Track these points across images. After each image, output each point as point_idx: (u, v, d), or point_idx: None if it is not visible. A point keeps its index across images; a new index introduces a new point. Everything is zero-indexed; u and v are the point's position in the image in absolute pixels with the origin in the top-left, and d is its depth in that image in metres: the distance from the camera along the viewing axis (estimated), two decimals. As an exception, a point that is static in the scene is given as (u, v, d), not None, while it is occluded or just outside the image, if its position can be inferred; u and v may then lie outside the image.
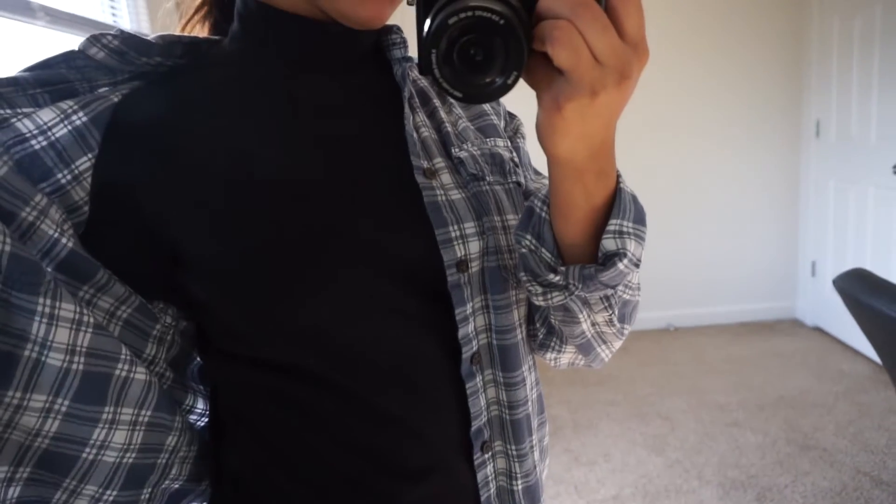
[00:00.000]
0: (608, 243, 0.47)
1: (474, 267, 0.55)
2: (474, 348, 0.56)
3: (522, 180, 0.62)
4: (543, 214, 0.50)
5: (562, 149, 0.43)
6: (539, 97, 0.41)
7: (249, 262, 0.49)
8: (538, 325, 0.61)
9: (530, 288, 0.52)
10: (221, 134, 0.52)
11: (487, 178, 0.58)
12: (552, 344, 0.61)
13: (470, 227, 0.55)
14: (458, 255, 0.54)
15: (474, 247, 0.55)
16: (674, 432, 2.63)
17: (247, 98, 0.55)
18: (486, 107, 0.65)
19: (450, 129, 0.59)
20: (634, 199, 0.49)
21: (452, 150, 0.58)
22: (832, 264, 3.45)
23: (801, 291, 3.77)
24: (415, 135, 0.56)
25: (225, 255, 0.50)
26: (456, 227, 0.54)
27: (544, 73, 0.40)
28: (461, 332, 0.55)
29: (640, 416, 2.77)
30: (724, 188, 3.70)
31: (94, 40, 0.49)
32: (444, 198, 0.55)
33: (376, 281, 0.52)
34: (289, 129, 0.54)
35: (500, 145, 0.62)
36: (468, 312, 0.55)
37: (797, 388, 2.94)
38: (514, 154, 0.64)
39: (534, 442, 0.60)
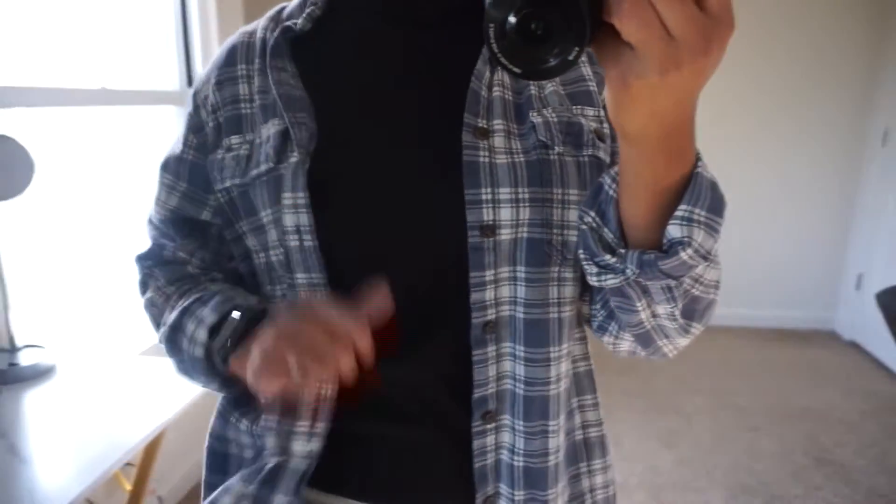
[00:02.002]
0: (673, 230, 0.43)
1: (504, 235, 0.54)
2: (489, 317, 0.55)
3: (604, 155, 0.57)
4: (611, 192, 0.47)
5: (630, 127, 0.40)
6: (606, 72, 0.38)
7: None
8: (598, 307, 0.58)
9: (586, 267, 0.49)
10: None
11: (556, 148, 0.55)
12: (610, 328, 0.58)
13: (506, 192, 0.54)
14: (485, 218, 0.53)
15: (506, 214, 0.53)
16: (689, 429, 2.60)
17: (334, 47, 0.59)
18: (588, 71, 0.60)
19: (534, 91, 0.57)
20: (714, 186, 0.44)
21: (530, 115, 0.56)
22: (879, 279, 3.31)
23: (842, 303, 3.65)
24: (483, 92, 0.55)
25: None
26: (488, 189, 0.53)
27: (613, 46, 0.36)
28: (473, 297, 0.54)
29: (657, 409, 2.75)
30: (777, 188, 3.57)
31: None
32: (485, 159, 0.54)
33: (398, 236, 0.55)
34: (361, 80, 0.58)
35: (589, 114, 0.57)
36: (487, 279, 0.54)
37: (823, 401, 2.87)
38: (607, 126, 0.59)
39: (552, 426, 0.58)
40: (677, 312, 0.49)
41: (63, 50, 1.72)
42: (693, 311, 0.51)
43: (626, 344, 0.58)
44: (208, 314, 0.58)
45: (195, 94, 0.64)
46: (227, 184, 0.60)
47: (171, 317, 0.62)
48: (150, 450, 1.44)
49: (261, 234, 0.59)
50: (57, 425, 1.14)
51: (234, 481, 0.60)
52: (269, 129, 0.58)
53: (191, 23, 2.16)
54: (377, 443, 0.60)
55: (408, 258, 0.56)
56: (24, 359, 1.31)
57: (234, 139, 0.60)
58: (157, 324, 0.66)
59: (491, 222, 0.53)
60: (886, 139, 3.31)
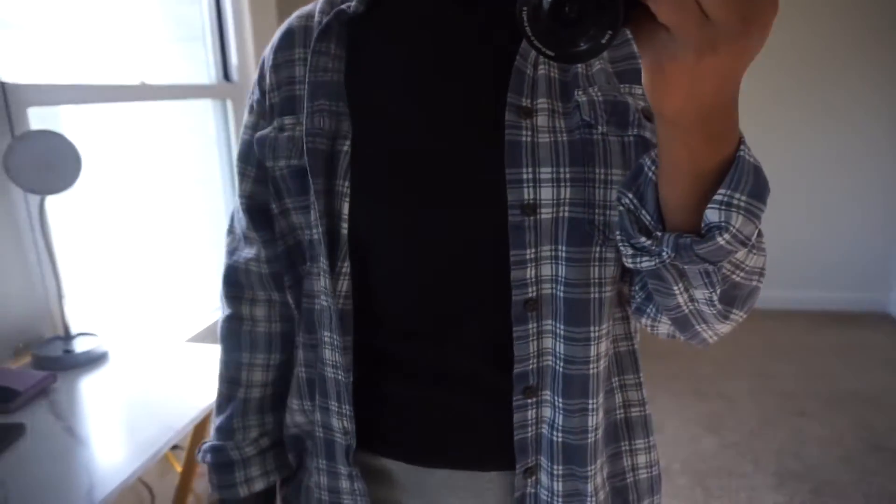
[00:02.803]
0: (711, 213, 0.42)
1: (545, 214, 0.55)
2: (530, 294, 0.56)
3: (650, 135, 0.56)
4: (650, 174, 0.46)
5: (667, 110, 0.39)
6: (642, 54, 0.37)
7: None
8: (637, 289, 0.58)
9: (622, 248, 0.49)
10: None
11: (600, 128, 0.54)
12: (648, 311, 0.58)
13: (546, 172, 0.54)
14: (525, 197, 0.54)
15: (546, 193, 0.54)
16: (732, 414, 2.55)
17: (386, 28, 0.61)
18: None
19: (581, 70, 0.56)
20: (757, 170, 0.42)
21: (575, 93, 0.56)
22: (936, 259, 3.17)
23: (895, 283, 3.51)
24: (528, 71, 0.55)
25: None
26: (530, 169, 0.54)
27: (648, 28, 0.35)
28: (514, 275, 0.55)
29: (699, 394, 2.70)
30: (829, 166, 3.44)
31: None
32: (528, 139, 0.54)
33: (439, 213, 0.56)
34: (406, 60, 0.59)
35: (637, 93, 0.56)
36: (528, 257, 0.55)
37: (876, 384, 2.77)
38: None
39: (591, 405, 0.58)
40: (715, 298, 0.48)
41: (103, 47, 1.77)
42: (733, 297, 0.49)
43: (664, 327, 0.58)
44: (215, 489, 0.72)
45: (257, 79, 0.67)
46: (282, 163, 0.62)
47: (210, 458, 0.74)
48: (199, 432, 1.49)
49: (305, 213, 0.61)
50: (110, 409, 1.18)
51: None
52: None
53: (225, 17, 2.20)
54: (423, 407, 0.62)
55: (449, 235, 0.57)
56: (79, 346, 1.36)
57: (288, 119, 0.62)
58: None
59: (531, 201, 0.54)
60: (943, 111, 3.15)
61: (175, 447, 1.73)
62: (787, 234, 3.54)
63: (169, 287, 2.08)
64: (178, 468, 1.55)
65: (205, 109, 2.20)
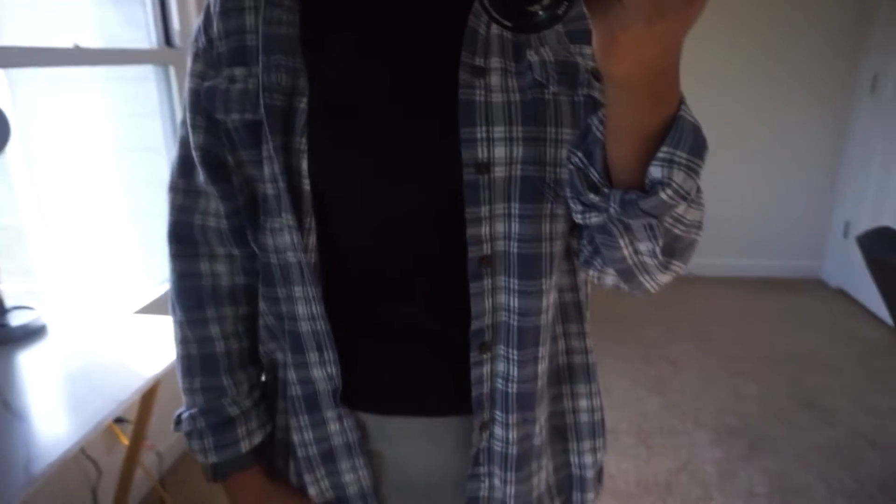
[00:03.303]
0: (654, 170, 0.44)
1: (498, 172, 0.56)
2: (485, 251, 0.58)
3: (600, 95, 0.58)
4: (598, 134, 0.48)
5: (615, 73, 0.41)
6: (593, 22, 0.39)
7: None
8: (585, 243, 0.60)
9: (572, 205, 0.51)
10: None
11: (551, 88, 0.56)
12: (595, 263, 0.60)
13: (499, 131, 0.55)
14: (479, 156, 0.55)
15: (500, 152, 0.55)
16: (677, 376, 2.66)
17: None
18: None
19: None
20: (696, 129, 0.45)
21: (527, 53, 0.56)
22: (867, 227, 3.34)
23: (829, 252, 3.68)
24: (482, 30, 0.56)
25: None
26: (483, 128, 0.55)
27: None
28: (469, 233, 0.57)
29: (646, 358, 2.80)
30: (764, 136, 3.56)
31: None
32: (481, 98, 0.55)
33: (396, 171, 0.57)
34: (361, 16, 0.58)
35: (586, 53, 0.57)
36: (482, 215, 0.57)
37: (809, 347, 2.93)
38: None
39: (541, 353, 0.61)
40: (658, 250, 0.51)
41: (32, 7, 1.68)
42: (674, 249, 0.52)
43: (610, 278, 0.60)
44: (196, 454, 0.70)
45: (202, 25, 0.63)
46: (235, 116, 0.60)
47: (178, 416, 0.71)
48: (146, 403, 1.47)
49: (260, 167, 0.60)
50: (50, 382, 1.15)
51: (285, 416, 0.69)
52: None
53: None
54: (382, 358, 0.64)
55: (405, 194, 0.58)
56: (14, 320, 1.32)
57: (238, 71, 0.60)
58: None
59: (485, 160, 0.55)
60: (875, 85, 3.29)
61: (120, 420, 1.70)
62: (727, 205, 3.66)
63: (113, 259, 2.02)
64: (125, 441, 1.53)
65: (146, 76, 2.12)
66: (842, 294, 3.55)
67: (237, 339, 0.70)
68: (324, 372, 0.64)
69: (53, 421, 1.03)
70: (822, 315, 3.28)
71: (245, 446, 0.69)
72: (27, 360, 1.22)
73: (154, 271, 2.15)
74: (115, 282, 2.02)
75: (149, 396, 1.47)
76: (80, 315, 1.42)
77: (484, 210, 0.57)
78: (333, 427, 0.65)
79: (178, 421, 0.70)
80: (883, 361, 2.79)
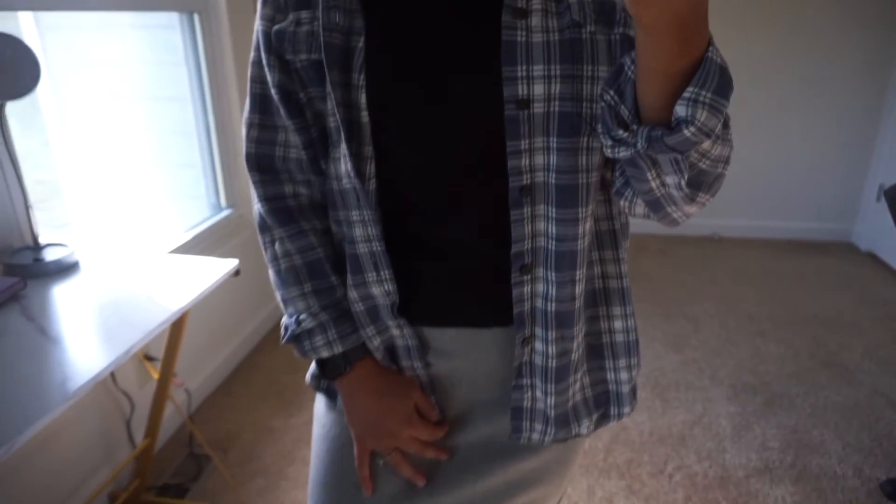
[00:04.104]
0: (679, 109, 0.47)
1: (537, 108, 0.60)
2: (525, 182, 0.63)
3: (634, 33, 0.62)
4: (630, 73, 0.51)
5: (643, 18, 0.43)
6: None
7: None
8: (617, 175, 0.64)
9: (603, 140, 0.55)
10: None
11: (588, 27, 0.58)
12: (626, 194, 0.63)
13: (539, 69, 0.59)
14: (519, 93, 0.59)
15: (539, 89, 0.59)
16: (696, 334, 2.66)
17: None
18: None
19: None
20: (723, 70, 0.47)
21: None
22: (902, 189, 3.24)
23: (861, 215, 3.59)
24: None
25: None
26: (524, 67, 0.59)
27: None
28: (510, 164, 0.62)
29: (666, 316, 2.80)
30: (801, 94, 3.45)
31: None
32: (522, 38, 0.59)
33: (444, 106, 0.62)
34: None
35: None
36: (522, 148, 0.61)
37: (834, 308, 2.89)
38: None
39: (578, 275, 0.66)
40: (683, 183, 0.54)
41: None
42: (700, 182, 0.55)
43: (640, 209, 0.64)
44: (320, 349, 0.73)
45: None
46: (303, 57, 0.65)
47: (289, 321, 0.75)
48: (174, 338, 1.53)
49: (325, 103, 0.66)
50: (82, 313, 1.21)
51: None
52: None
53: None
54: (434, 276, 0.70)
55: (454, 127, 0.63)
56: (49, 255, 1.37)
57: (304, 14, 0.64)
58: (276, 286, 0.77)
59: (525, 97, 0.59)
60: (921, 40, 3.14)
61: (152, 358, 1.78)
62: (757, 166, 3.58)
63: (143, 207, 2.08)
64: (156, 376, 1.61)
65: (171, 24, 2.13)
66: (872, 258, 3.47)
67: (331, 247, 0.75)
68: (381, 289, 0.69)
69: (86, 347, 1.09)
70: (850, 278, 3.23)
71: (361, 337, 0.74)
72: (61, 293, 1.28)
73: (182, 217, 2.21)
74: (145, 228, 2.08)
75: (177, 331, 1.53)
76: (111, 253, 1.48)
77: (524, 143, 0.61)
78: (396, 332, 0.72)
79: (298, 323, 0.73)
80: (910, 324, 2.75)
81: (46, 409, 0.94)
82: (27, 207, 1.40)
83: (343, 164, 0.65)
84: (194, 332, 2.07)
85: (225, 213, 2.36)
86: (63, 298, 1.26)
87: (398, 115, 0.64)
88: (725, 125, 0.51)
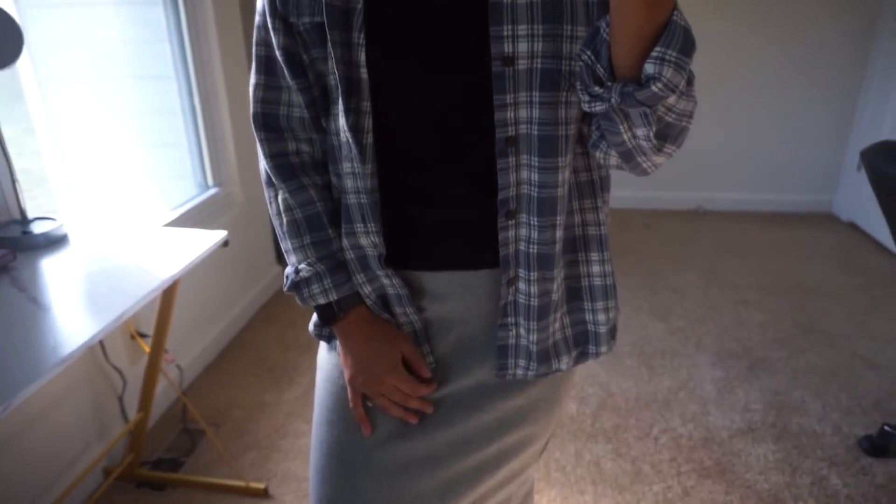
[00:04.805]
0: (648, 67, 0.53)
1: (521, 65, 0.64)
2: (510, 133, 0.67)
3: None
4: (605, 35, 0.57)
5: None
6: None
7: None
8: (593, 129, 0.69)
9: (581, 95, 0.61)
10: None
11: None
12: (601, 146, 0.69)
13: (523, 29, 0.63)
14: (505, 51, 0.64)
15: (523, 47, 0.64)
16: (681, 303, 2.70)
17: None
18: None
19: None
20: (686, 31, 0.53)
21: None
22: (881, 159, 3.29)
23: (841, 186, 3.65)
24: None
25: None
26: (509, 27, 0.64)
27: None
28: (497, 117, 0.67)
29: (651, 288, 2.85)
30: (781, 70, 3.48)
31: None
32: (508, 0, 0.64)
33: (437, 62, 0.66)
34: None
35: None
36: (507, 102, 0.66)
37: (815, 276, 2.95)
38: None
39: (558, 221, 0.71)
40: (652, 134, 0.60)
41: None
42: (667, 134, 0.61)
43: (613, 160, 0.70)
44: (317, 296, 0.77)
45: None
46: (306, 20, 0.69)
47: (290, 270, 0.79)
48: (164, 312, 1.54)
49: (326, 64, 0.70)
50: (73, 282, 1.22)
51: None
52: None
53: None
54: (426, 223, 0.74)
55: (446, 82, 0.68)
56: (37, 228, 1.38)
57: None
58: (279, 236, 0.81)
59: (510, 54, 0.64)
60: (899, 11, 3.18)
61: (144, 335, 1.79)
62: (739, 140, 3.62)
63: (129, 187, 2.07)
64: (147, 350, 1.62)
65: (154, 2, 2.12)
66: (852, 227, 3.53)
67: (329, 201, 0.79)
68: (369, 240, 0.74)
69: (78, 314, 1.10)
70: (831, 247, 3.29)
71: (355, 286, 0.78)
72: (50, 265, 1.29)
73: (169, 197, 2.21)
74: (132, 208, 2.08)
75: (167, 303, 1.54)
76: (100, 227, 1.48)
77: (509, 98, 0.66)
78: (386, 282, 0.76)
79: (296, 272, 0.77)
80: (889, 290, 2.81)
81: (39, 373, 0.95)
82: (13, 181, 1.40)
83: (341, 119, 0.69)
84: (184, 310, 2.08)
85: (212, 191, 2.36)
86: (53, 269, 1.27)
87: (395, 72, 0.68)
88: (689, 82, 0.57)
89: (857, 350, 2.35)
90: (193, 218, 2.19)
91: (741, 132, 3.60)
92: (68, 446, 1.62)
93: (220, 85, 2.32)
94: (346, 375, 0.79)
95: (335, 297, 0.77)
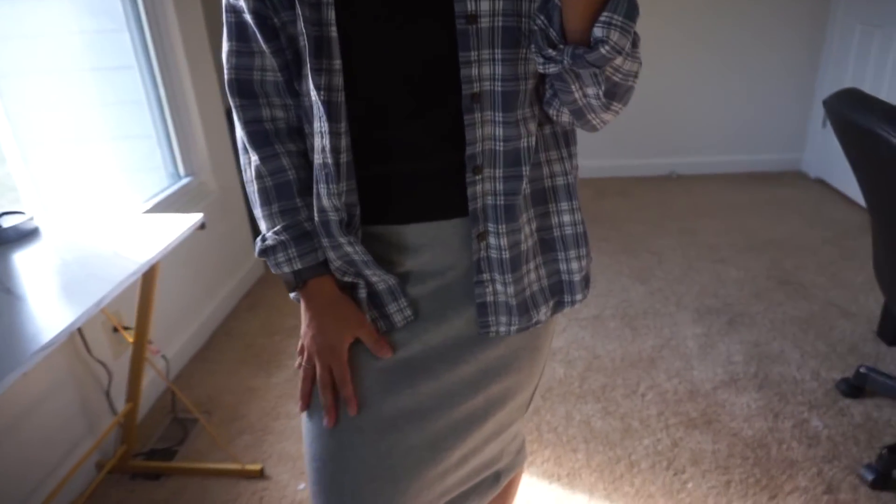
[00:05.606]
0: (596, 31, 0.58)
1: (484, 23, 0.67)
2: (475, 89, 0.70)
3: None
4: (557, 1, 0.61)
5: None
6: None
7: None
8: (547, 88, 0.73)
9: (535, 57, 0.65)
10: None
11: None
12: (554, 104, 0.72)
13: None
14: (468, 9, 0.67)
15: (485, 6, 0.66)
16: (660, 265, 2.75)
17: None
18: None
19: None
20: None
21: None
22: (846, 114, 3.36)
23: (809, 144, 3.72)
24: None
25: None
26: None
27: None
28: (462, 73, 0.69)
29: (630, 251, 2.89)
30: (743, 31, 3.52)
31: None
32: None
33: (404, 21, 0.68)
34: None
35: None
36: (472, 59, 0.68)
37: (788, 232, 3.01)
38: None
39: (523, 171, 0.74)
40: (601, 93, 0.65)
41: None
42: (614, 93, 0.66)
43: (565, 117, 0.73)
44: (282, 265, 0.79)
45: None
46: None
47: (262, 237, 0.80)
48: (146, 296, 1.53)
49: (295, 27, 0.70)
50: (48, 272, 1.20)
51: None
52: None
53: None
54: (398, 179, 0.75)
55: (413, 40, 0.70)
56: (6, 223, 1.35)
57: None
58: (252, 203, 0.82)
59: (473, 12, 0.67)
60: (856, -34, 3.23)
61: (127, 328, 1.77)
62: (707, 104, 3.66)
63: (97, 181, 2.04)
64: (130, 340, 1.60)
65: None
66: (821, 184, 3.61)
67: (303, 169, 0.80)
68: (331, 203, 0.73)
69: (57, 301, 1.09)
70: (802, 204, 3.36)
71: (320, 255, 0.79)
72: (23, 258, 1.27)
73: (141, 190, 2.17)
74: (103, 202, 2.04)
75: (147, 288, 1.53)
76: (71, 219, 1.46)
77: (473, 55, 0.68)
78: (349, 249, 0.76)
79: (263, 240, 0.79)
80: (857, 241, 2.89)
81: (20, 360, 0.94)
82: (-22, 176, 1.36)
83: (311, 79, 0.69)
84: (167, 302, 2.06)
85: (184, 181, 2.33)
86: (26, 261, 1.25)
87: (364, 30, 0.69)
88: (634, 44, 0.61)
89: (832, 299, 2.41)
90: (167, 209, 2.16)
91: (707, 97, 3.64)
92: (57, 444, 1.60)
93: (185, 72, 2.28)
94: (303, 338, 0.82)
95: (300, 267, 0.79)
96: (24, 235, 1.36)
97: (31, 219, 1.39)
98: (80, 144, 1.98)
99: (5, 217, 1.38)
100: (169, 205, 2.18)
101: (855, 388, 1.87)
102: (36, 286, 1.14)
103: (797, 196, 3.46)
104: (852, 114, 1.49)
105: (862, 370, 1.85)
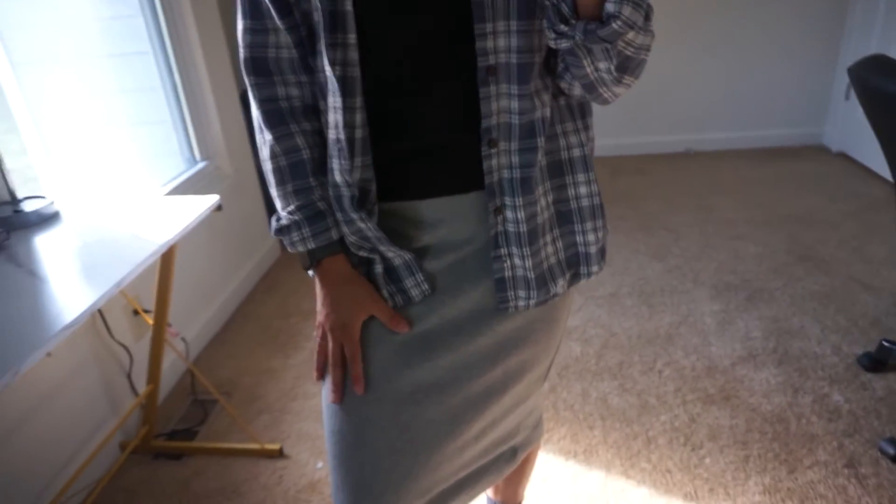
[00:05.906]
0: (608, 6, 0.59)
1: None
2: (490, 62, 0.70)
3: None
4: None
5: None
6: None
7: None
8: (559, 61, 0.72)
9: (548, 33, 0.65)
10: None
11: None
12: (566, 77, 0.72)
13: None
14: None
15: None
16: (677, 243, 2.72)
17: None
18: None
19: None
20: None
21: None
22: (868, 85, 3.28)
23: (831, 117, 3.64)
24: None
25: None
26: None
27: None
28: (478, 46, 0.69)
29: (647, 229, 2.86)
30: (764, 2, 3.44)
31: None
32: None
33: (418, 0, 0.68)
34: None
35: None
36: (488, 31, 0.68)
37: (808, 207, 2.96)
38: None
39: (539, 143, 0.74)
40: (612, 67, 0.66)
41: None
42: (626, 67, 0.66)
43: (577, 90, 0.73)
44: (296, 244, 0.79)
45: None
46: None
47: (277, 217, 0.80)
48: (164, 278, 1.55)
49: (309, 3, 0.70)
50: (70, 254, 1.22)
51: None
52: None
53: None
54: (413, 154, 0.75)
55: (430, 12, 0.69)
56: (28, 207, 1.37)
57: None
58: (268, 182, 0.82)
59: None
60: (880, -68, 3.13)
61: (148, 311, 1.80)
62: (725, 78, 3.59)
63: (116, 168, 2.06)
64: (150, 322, 1.63)
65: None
66: (843, 157, 3.54)
67: (317, 148, 0.80)
68: (343, 178, 0.74)
69: (78, 282, 1.11)
70: (823, 178, 3.30)
71: (334, 234, 0.79)
72: (45, 241, 1.29)
73: (158, 175, 2.20)
74: (121, 187, 2.07)
75: (166, 270, 1.55)
76: (91, 203, 1.48)
77: (489, 26, 0.68)
78: (361, 225, 0.77)
79: (278, 219, 0.80)
80: (880, 214, 2.83)
81: (45, 338, 0.96)
82: (0, 162, 1.39)
83: (326, 54, 0.69)
84: (185, 286, 2.09)
85: (200, 165, 2.35)
86: (48, 245, 1.27)
87: (378, 3, 0.69)
88: (647, 18, 0.61)
89: (853, 274, 2.37)
90: (184, 193, 2.18)
91: (725, 70, 3.58)
92: (82, 425, 1.64)
93: (199, 57, 2.28)
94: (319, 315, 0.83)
95: (314, 246, 0.79)
96: (46, 219, 1.38)
97: (52, 203, 1.41)
98: (98, 131, 2.00)
99: (27, 201, 1.40)
100: (186, 189, 2.20)
101: (877, 361, 1.84)
102: (58, 268, 1.16)
103: (818, 170, 3.40)
104: (879, 80, 1.46)
105: (885, 343, 1.82)
